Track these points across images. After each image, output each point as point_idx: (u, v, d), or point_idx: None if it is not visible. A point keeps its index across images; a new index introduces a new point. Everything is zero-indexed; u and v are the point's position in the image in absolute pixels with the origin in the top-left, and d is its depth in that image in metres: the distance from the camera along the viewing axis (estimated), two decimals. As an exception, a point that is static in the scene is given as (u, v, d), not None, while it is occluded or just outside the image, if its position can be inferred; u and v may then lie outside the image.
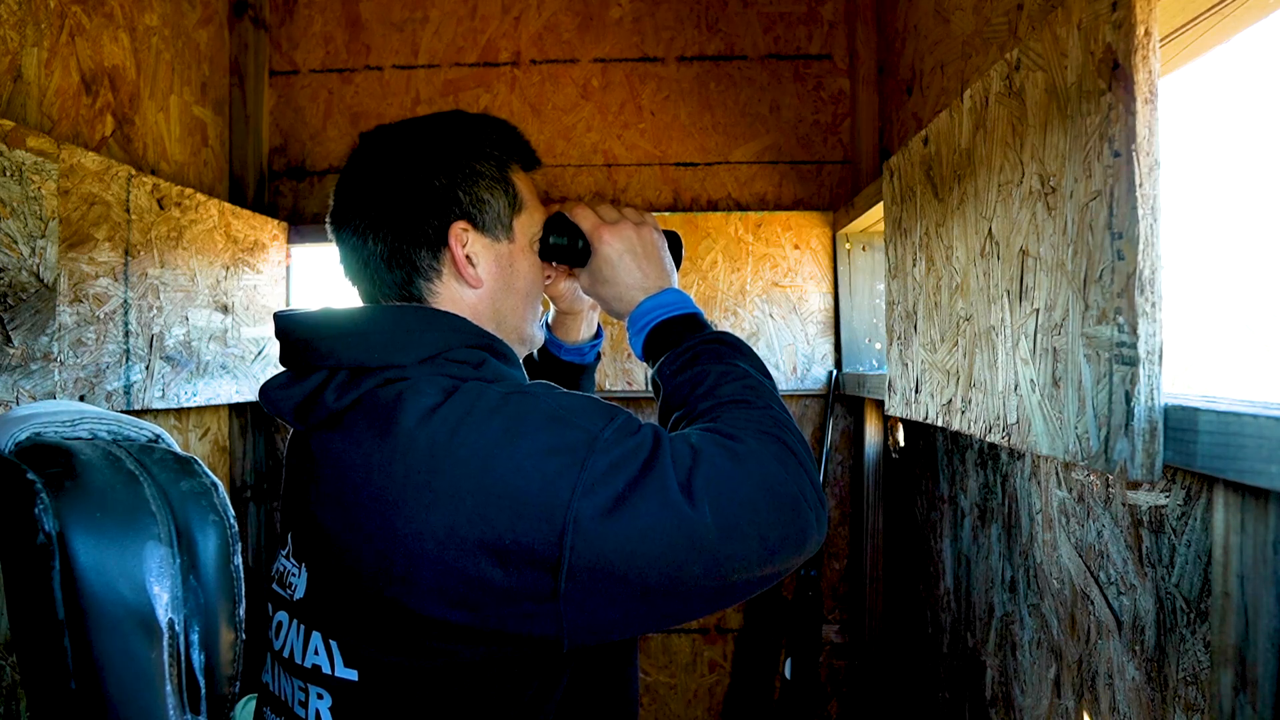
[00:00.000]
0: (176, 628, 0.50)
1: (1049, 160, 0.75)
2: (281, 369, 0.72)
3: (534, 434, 0.61)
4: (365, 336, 0.67)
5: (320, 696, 0.62)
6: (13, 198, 1.02)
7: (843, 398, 1.75)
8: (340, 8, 1.82)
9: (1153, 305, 0.61)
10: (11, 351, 1.03)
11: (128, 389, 1.27)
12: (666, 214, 1.70)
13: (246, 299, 1.61)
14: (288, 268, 1.79)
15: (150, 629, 0.48)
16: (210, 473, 0.53)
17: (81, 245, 1.17)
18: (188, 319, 1.43)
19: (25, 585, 0.48)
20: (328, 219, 0.77)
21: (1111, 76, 0.64)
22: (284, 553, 0.68)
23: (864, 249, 1.71)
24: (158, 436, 0.56)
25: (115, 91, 1.37)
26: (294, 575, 0.65)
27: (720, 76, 1.79)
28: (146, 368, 1.31)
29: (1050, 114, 0.75)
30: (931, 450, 1.38)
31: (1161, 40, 0.74)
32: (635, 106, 1.79)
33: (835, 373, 1.70)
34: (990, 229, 0.89)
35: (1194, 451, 0.58)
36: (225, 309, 1.54)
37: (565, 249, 0.81)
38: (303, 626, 0.64)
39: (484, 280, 0.74)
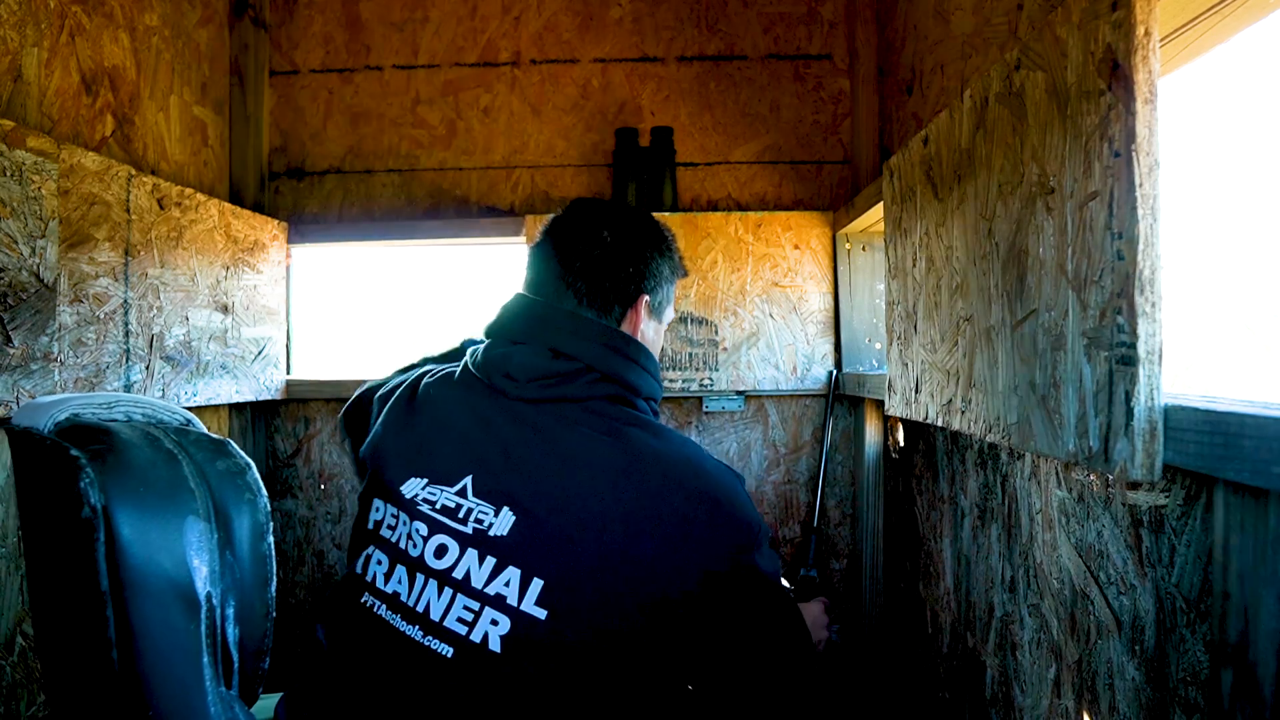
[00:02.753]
0: (214, 601, 0.51)
1: (1049, 160, 0.75)
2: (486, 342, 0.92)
3: (734, 501, 0.81)
4: (618, 356, 0.88)
5: (495, 623, 0.74)
6: (13, 198, 1.02)
7: (843, 398, 1.75)
8: (340, 8, 1.82)
9: (1153, 305, 0.61)
10: (11, 351, 1.03)
11: (128, 389, 1.27)
12: (666, 214, 1.70)
13: (246, 299, 1.61)
14: (288, 268, 1.79)
15: (190, 602, 0.49)
16: (243, 454, 0.54)
17: (81, 245, 1.17)
18: (188, 319, 1.43)
19: (63, 560, 0.49)
20: (535, 245, 0.97)
21: (1111, 76, 0.64)
22: (452, 490, 0.81)
23: (864, 249, 1.71)
24: (189, 421, 0.57)
25: (115, 91, 1.37)
26: (484, 513, 0.79)
27: (720, 76, 1.79)
28: (146, 368, 1.31)
29: (1050, 114, 0.75)
30: (931, 450, 1.38)
31: (1161, 40, 0.74)
32: (635, 106, 1.79)
33: (835, 373, 1.70)
34: (990, 229, 0.89)
35: (1194, 451, 0.58)
36: (225, 309, 1.54)
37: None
38: (493, 559, 0.76)
39: (642, 341, 0.95)
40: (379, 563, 0.82)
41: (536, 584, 0.75)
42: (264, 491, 0.54)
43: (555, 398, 0.84)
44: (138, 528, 0.48)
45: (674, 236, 1.02)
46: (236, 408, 1.71)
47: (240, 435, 1.73)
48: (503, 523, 0.78)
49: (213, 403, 1.50)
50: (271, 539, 0.55)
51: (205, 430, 0.56)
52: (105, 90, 1.34)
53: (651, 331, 0.98)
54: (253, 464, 0.55)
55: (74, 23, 1.27)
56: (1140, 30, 0.61)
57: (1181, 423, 0.60)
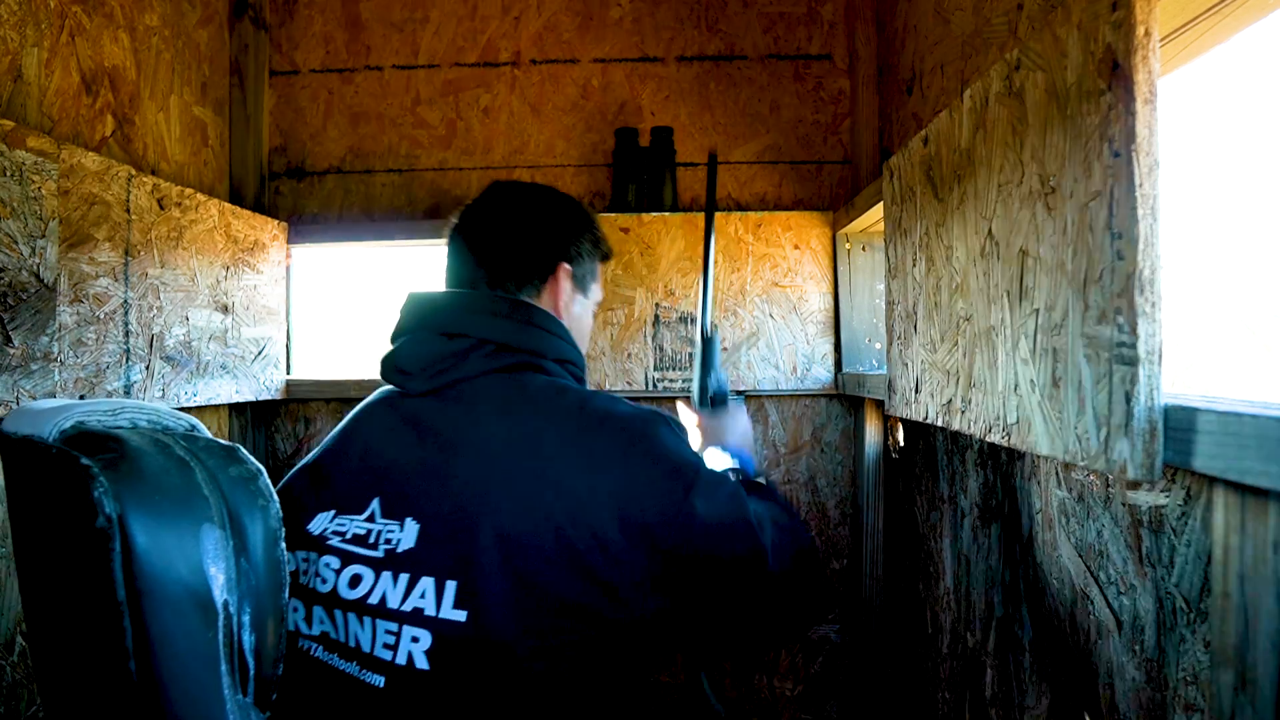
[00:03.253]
0: (231, 609, 0.50)
1: (1049, 160, 0.75)
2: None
3: (661, 438, 0.78)
4: (512, 321, 0.83)
5: (416, 640, 0.71)
6: (13, 198, 1.03)
7: (843, 398, 1.75)
8: (340, 8, 1.82)
9: (1153, 305, 0.61)
10: (11, 351, 1.03)
11: (128, 389, 1.27)
12: (666, 214, 1.70)
13: (246, 299, 1.61)
14: (288, 268, 1.79)
15: (208, 609, 0.49)
16: (254, 459, 0.54)
17: (81, 245, 1.17)
18: (188, 319, 1.43)
19: (75, 570, 0.48)
20: (449, 231, 0.93)
21: (1111, 76, 0.64)
22: (360, 516, 0.77)
23: (864, 249, 1.71)
24: (194, 426, 0.56)
25: (115, 91, 1.37)
26: (391, 531, 0.75)
27: (720, 76, 1.79)
28: (146, 368, 1.31)
29: (1050, 114, 0.75)
30: (931, 450, 1.38)
31: (1161, 40, 0.74)
32: (635, 106, 1.79)
33: (835, 372, 1.70)
34: (990, 229, 0.89)
35: (1194, 451, 0.58)
36: (225, 309, 1.54)
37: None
38: (405, 575, 0.73)
39: (564, 316, 0.91)
40: (295, 610, 0.78)
41: (450, 586, 0.71)
42: (275, 497, 0.54)
43: (452, 382, 0.80)
44: (154, 536, 0.47)
45: (598, 223, 0.99)
46: (236, 408, 1.71)
47: (240, 435, 1.73)
48: (408, 535, 0.74)
49: (213, 403, 1.50)
50: (284, 545, 0.54)
51: (210, 435, 0.56)
52: (105, 90, 1.34)
53: (578, 306, 0.94)
54: (263, 470, 0.54)
55: (74, 23, 1.27)
56: (1140, 30, 0.61)
57: (1181, 423, 0.60)
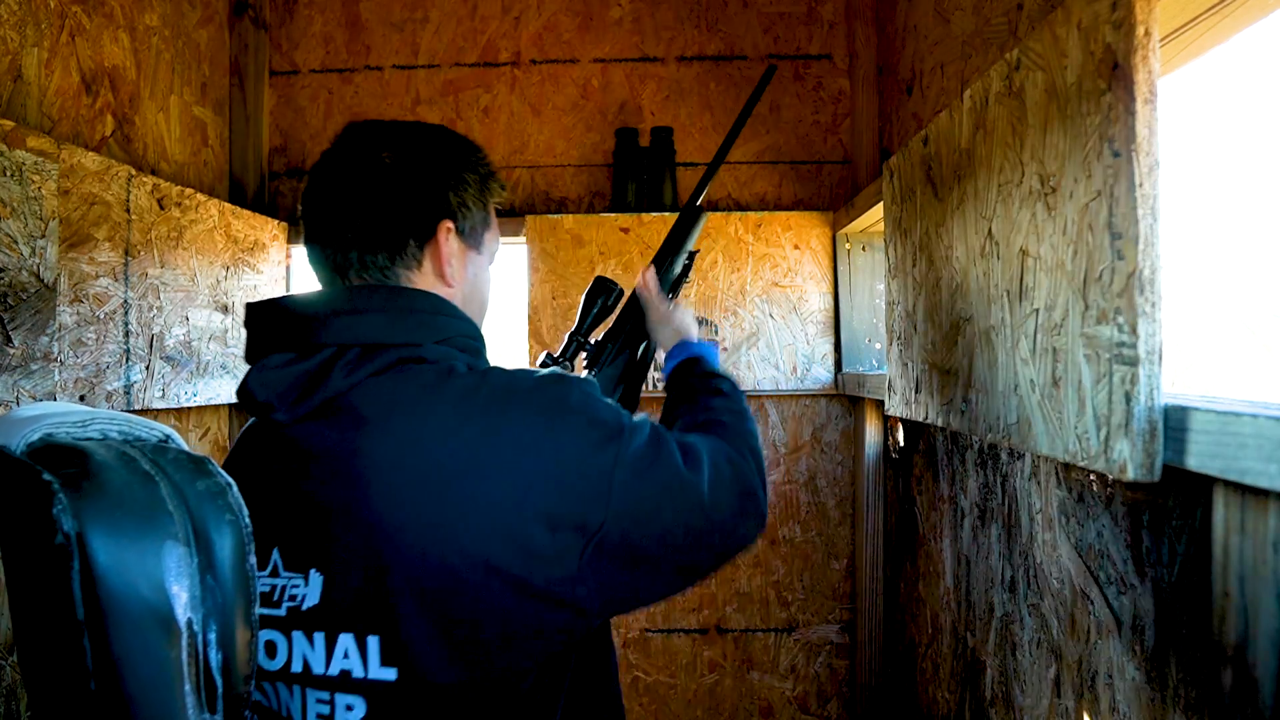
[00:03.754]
0: (195, 627, 0.50)
1: (1049, 160, 0.75)
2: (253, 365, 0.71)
3: (572, 413, 0.67)
4: (379, 313, 0.69)
5: (350, 708, 0.63)
6: (13, 198, 1.03)
7: (843, 398, 1.75)
8: (340, 8, 1.82)
9: (1153, 305, 0.61)
10: (11, 351, 1.03)
11: (128, 389, 1.27)
12: (666, 214, 1.70)
13: (246, 299, 1.61)
14: (288, 268, 1.79)
15: (169, 628, 0.48)
16: (224, 472, 0.53)
17: (81, 245, 1.17)
18: (188, 319, 1.43)
19: (38, 587, 0.48)
20: (301, 200, 0.75)
21: (1111, 76, 0.64)
22: (265, 572, 0.66)
23: (864, 249, 1.71)
24: (168, 437, 0.55)
25: (115, 91, 1.37)
26: (296, 587, 0.65)
27: (720, 76, 1.79)
28: (146, 368, 1.31)
29: (1050, 114, 0.75)
30: (931, 450, 1.38)
31: (1161, 40, 0.74)
32: (635, 106, 1.79)
33: (835, 372, 1.70)
34: (990, 229, 0.89)
35: (1194, 452, 0.58)
36: (225, 309, 1.54)
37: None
38: (320, 634, 0.64)
39: (455, 281, 0.76)
40: None
41: (373, 643, 0.62)
42: (245, 510, 0.53)
43: (320, 404, 0.66)
44: (114, 555, 0.46)
45: (482, 150, 0.81)
46: (236, 407, 1.71)
47: (240, 435, 1.73)
48: (313, 589, 0.64)
49: (213, 402, 1.50)
50: (254, 559, 0.53)
51: (185, 446, 0.55)
52: (105, 90, 1.34)
53: (471, 268, 0.78)
54: (233, 483, 0.53)
55: (74, 23, 1.27)
56: (1140, 30, 0.61)
57: (1181, 423, 0.60)
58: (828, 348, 1.71)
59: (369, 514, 0.63)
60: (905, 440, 1.54)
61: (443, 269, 0.74)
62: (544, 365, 1.01)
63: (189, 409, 1.55)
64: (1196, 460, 0.58)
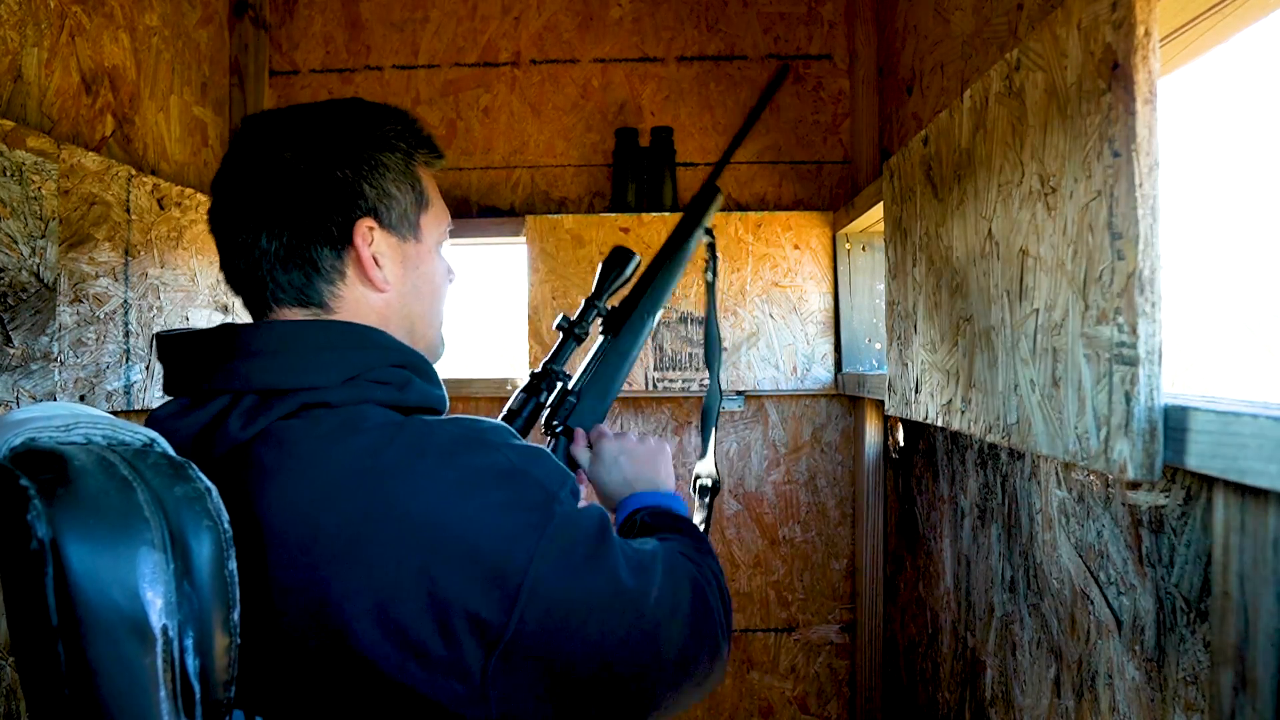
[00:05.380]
0: (170, 633, 0.49)
1: (1049, 160, 0.75)
2: (167, 399, 0.64)
3: (492, 488, 0.56)
4: (275, 355, 0.60)
5: None
6: (13, 198, 1.03)
7: (843, 398, 1.75)
8: (340, 8, 1.82)
9: (1153, 305, 0.61)
10: (11, 351, 1.03)
11: (128, 389, 1.27)
12: (666, 214, 1.70)
13: (246, 299, 1.62)
14: (288, 268, 1.79)
15: (144, 635, 0.48)
16: (204, 477, 0.52)
17: (81, 245, 1.17)
18: (188, 319, 1.43)
19: (17, 592, 0.48)
20: (208, 215, 0.67)
21: (1111, 77, 0.64)
22: None
23: (864, 249, 1.71)
24: (152, 441, 0.55)
25: (115, 91, 1.37)
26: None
27: (720, 76, 1.79)
28: (146, 368, 1.31)
29: (1050, 114, 0.75)
30: (931, 450, 1.38)
31: (1161, 40, 0.74)
32: (635, 106, 1.79)
33: (835, 372, 1.70)
34: (990, 229, 0.89)
35: (1194, 452, 0.58)
36: (225, 309, 1.54)
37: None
38: (240, 714, 0.58)
39: (391, 284, 0.67)
40: None
41: None
42: (225, 515, 0.51)
43: (222, 454, 0.58)
44: (88, 561, 0.46)
45: (405, 114, 0.70)
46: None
47: (240, 435, 1.73)
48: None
49: (213, 403, 1.50)
50: (234, 564, 0.53)
51: (169, 450, 0.55)
52: (105, 90, 1.34)
53: (411, 262, 0.69)
54: (213, 488, 0.52)
55: (74, 23, 1.27)
56: (1140, 30, 0.61)
57: (1181, 422, 0.60)
58: (828, 348, 1.71)
59: (262, 585, 0.55)
60: (905, 440, 1.54)
61: (369, 274, 0.65)
62: (560, 328, 0.98)
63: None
64: (1197, 460, 0.58)
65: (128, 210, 1.27)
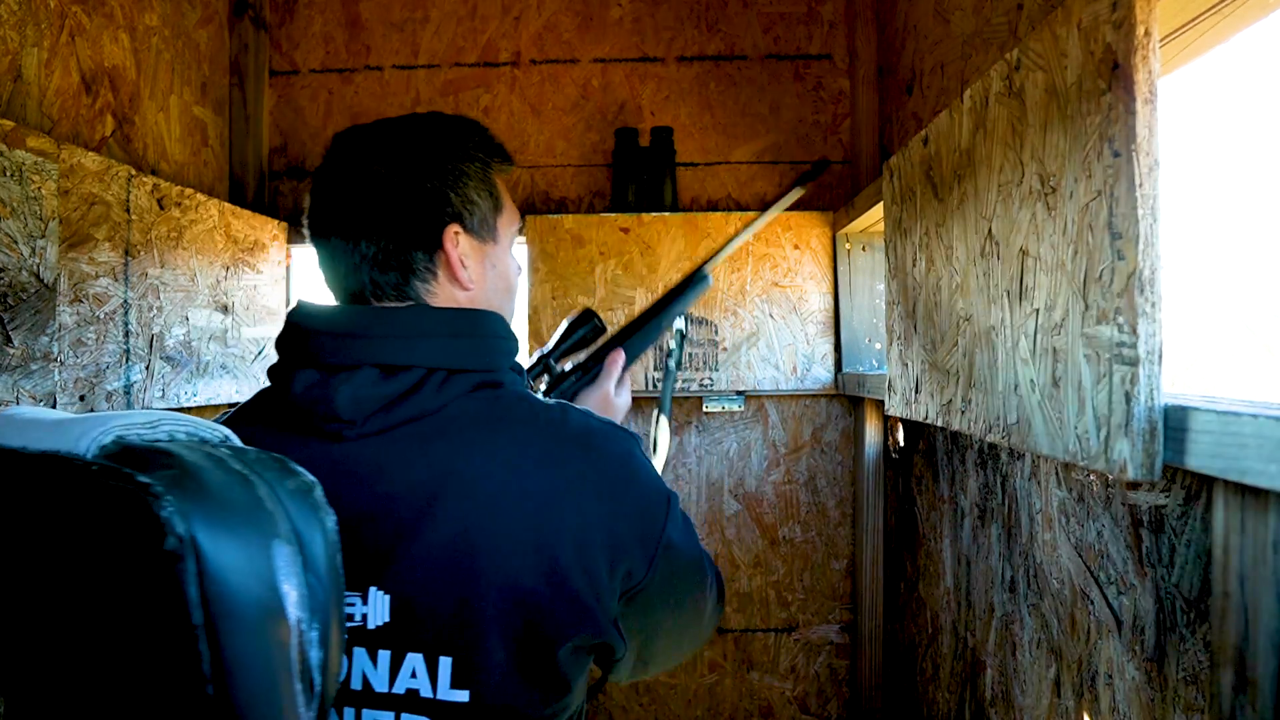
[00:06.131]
0: (303, 625, 0.49)
1: (1049, 160, 0.75)
2: (282, 368, 0.70)
3: (640, 469, 0.71)
4: (464, 338, 0.70)
5: None
6: (13, 198, 1.02)
7: (843, 398, 1.75)
8: (340, 8, 1.82)
9: (1153, 305, 0.61)
10: (11, 351, 1.03)
11: (128, 389, 1.27)
12: (666, 214, 1.70)
13: (247, 299, 1.61)
14: (288, 268, 1.79)
15: (283, 628, 0.48)
16: (307, 471, 0.52)
17: (81, 245, 1.17)
18: (188, 319, 1.43)
19: (130, 598, 0.46)
20: (305, 221, 0.75)
21: (1111, 76, 0.64)
22: None
23: (864, 249, 1.71)
24: (228, 437, 0.54)
25: (115, 91, 1.37)
26: (351, 606, 0.64)
27: (720, 76, 1.79)
28: (146, 368, 1.31)
29: (1050, 114, 0.75)
30: (931, 450, 1.38)
31: (1161, 40, 0.74)
32: (635, 106, 1.79)
33: (835, 373, 1.70)
34: (990, 229, 0.89)
35: (1194, 452, 0.58)
36: (225, 309, 1.54)
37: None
38: (386, 653, 0.63)
39: (474, 282, 0.75)
40: None
41: (445, 664, 0.62)
42: (331, 509, 0.52)
43: (401, 421, 0.66)
44: (228, 555, 0.45)
45: (480, 125, 0.78)
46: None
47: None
48: (376, 608, 0.63)
49: (213, 403, 1.50)
50: (340, 557, 0.52)
51: (242, 445, 0.54)
52: (105, 90, 1.34)
53: (490, 264, 0.77)
54: (317, 482, 0.52)
55: (74, 23, 1.27)
56: (1140, 30, 0.61)
57: (1181, 423, 0.60)
58: (828, 348, 1.71)
59: (453, 531, 0.63)
60: (905, 440, 1.54)
61: (457, 274, 0.73)
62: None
63: (189, 409, 1.55)
64: (1197, 460, 0.58)
65: (128, 210, 1.27)
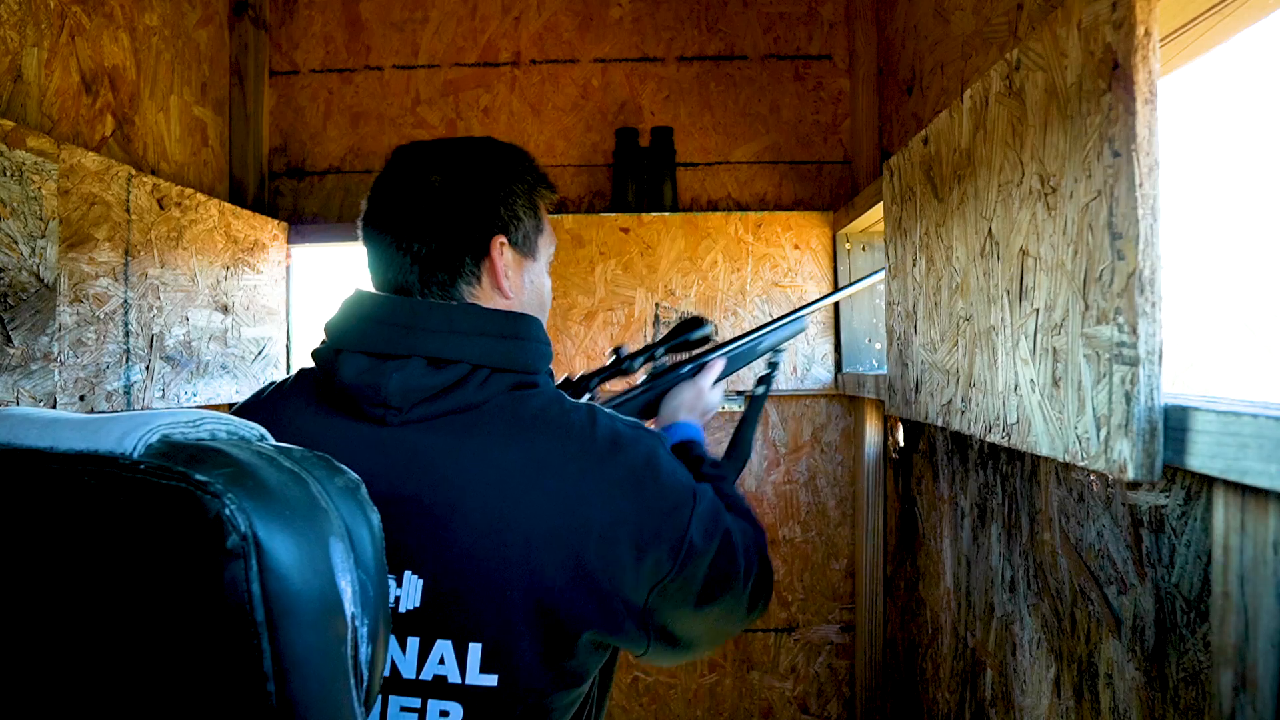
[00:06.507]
0: (356, 622, 0.49)
1: (1049, 160, 0.75)
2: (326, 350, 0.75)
3: (664, 467, 0.74)
4: (506, 340, 0.74)
5: (445, 714, 0.65)
6: (13, 198, 1.02)
7: (843, 398, 1.75)
8: (340, 8, 1.82)
9: (1153, 305, 0.61)
10: (12, 351, 1.03)
11: (128, 389, 1.27)
12: (666, 214, 1.70)
13: (246, 299, 1.61)
14: (288, 268, 1.79)
15: (341, 624, 0.48)
16: (351, 470, 0.52)
17: (81, 245, 1.17)
18: (188, 319, 1.43)
19: (179, 599, 0.45)
20: (361, 220, 0.80)
21: (1111, 77, 0.64)
22: None
23: (864, 249, 1.71)
24: (264, 435, 0.54)
25: (115, 91, 1.37)
26: (390, 589, 0.66)
27: (720, 76, 1.79)
28: (146, 368, 1.31)
29: (1050, 114, 0.75)
30: (931, 450, 1.38)
31: (1161, 40, 0.74)
32: (635, 106, 1.79)
33: (835, 373, 1.70)
34: (990, 229, 0.89)
35: (1194, 452, 0.58)
36: (225, 309, 1.54)
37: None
38: (415, 639, 0.66)
39: (514, 293, 0.80)
40: None
41: (474, 650, 0.65)
42: (375, 507, 0.52)
43: (443, 413, 0.70)
44: (292, 552, 0.45)
45: (529, 155, 0.85)
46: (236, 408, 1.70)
47: (240, 435, 1.73)
48: (409, 593, 0.66)
49: (213, 403, 1.50)
50: (385, 554, 0.52)
51: (284, 444, 0.54)
52: (105, 90, 1.34)
53: (528, 277, 0.82)
54: (362, 481, 0.53)
55: (74, 23, 1.27)
56: (1140, 30, 0.61)
57: (1181, 423, 0.60)
58: (828, 348, 1.71)
59: (485, 521, 0.66)
60: (905, 440, 1.54)
61: (500, 282, 0.78)
62: (613, 353, 1.11)
63: (189, 409, 1.55)
64: (1197, 460, 0.58)
65: (128, 210, 1.27)
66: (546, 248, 0.85)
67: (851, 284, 1.35)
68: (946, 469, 1.30)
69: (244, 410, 0.79)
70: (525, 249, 0.81)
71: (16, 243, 1.03)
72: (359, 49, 1.81)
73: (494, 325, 0.74)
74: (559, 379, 1.04)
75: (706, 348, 1.15)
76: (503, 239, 0.78)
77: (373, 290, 0.76)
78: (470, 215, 0.76)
